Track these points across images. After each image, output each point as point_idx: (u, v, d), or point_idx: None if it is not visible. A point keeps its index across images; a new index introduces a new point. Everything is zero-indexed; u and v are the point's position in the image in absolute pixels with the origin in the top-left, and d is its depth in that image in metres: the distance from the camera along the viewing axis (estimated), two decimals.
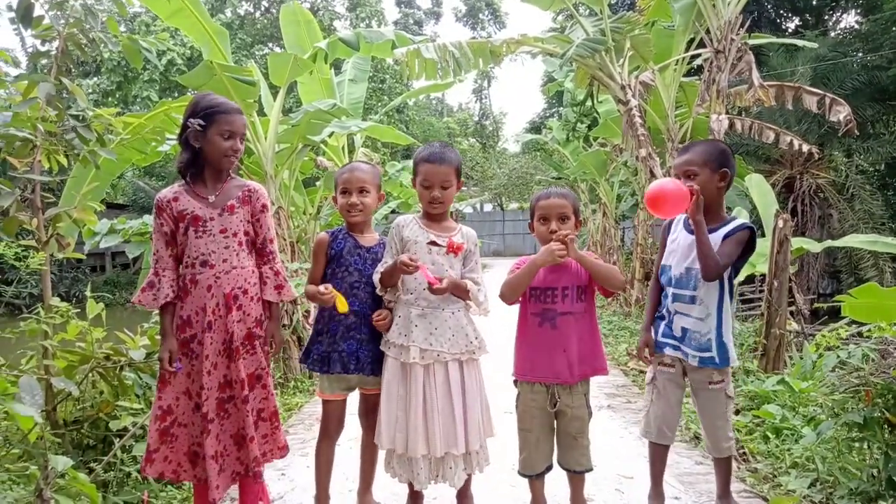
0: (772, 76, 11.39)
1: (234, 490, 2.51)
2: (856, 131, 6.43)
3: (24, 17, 2.56)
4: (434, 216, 2.50)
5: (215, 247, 2.31)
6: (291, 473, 3.21)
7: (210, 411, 2.27)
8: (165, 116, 5.02)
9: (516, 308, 2.53)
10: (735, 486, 2.78)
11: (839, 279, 12.54)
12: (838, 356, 2.98)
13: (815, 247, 5.95)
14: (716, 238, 2.43)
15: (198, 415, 2.29)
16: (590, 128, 11.90)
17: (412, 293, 2.41)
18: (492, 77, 38.65)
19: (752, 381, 4.18)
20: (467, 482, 2.51)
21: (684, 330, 2.50)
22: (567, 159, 13.41)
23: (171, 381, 2.31)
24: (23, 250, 2.77)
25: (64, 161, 2.73)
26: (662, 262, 2.65)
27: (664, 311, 2.60)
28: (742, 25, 6.07)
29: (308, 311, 5.38)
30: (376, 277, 2.45)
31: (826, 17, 15.99)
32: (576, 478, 2.49)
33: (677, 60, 7.21)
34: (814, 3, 15.57)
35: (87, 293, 3.08)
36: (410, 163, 4.98)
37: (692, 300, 2.49)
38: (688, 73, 7.89)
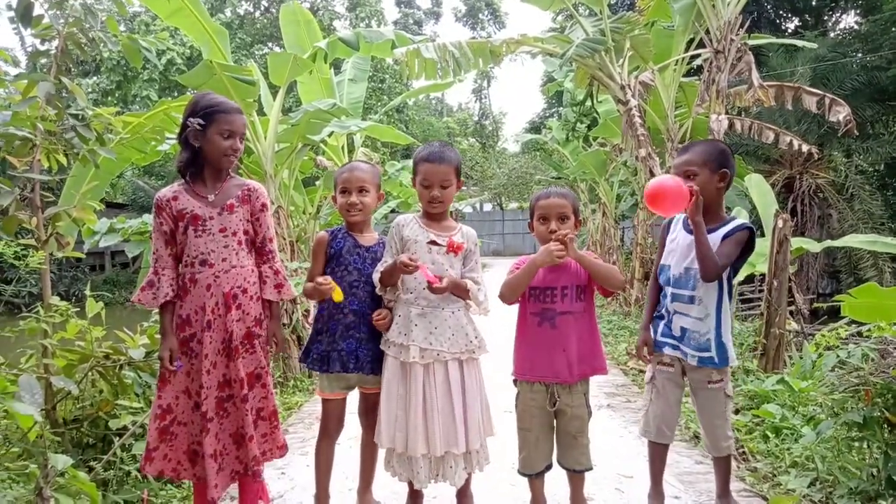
0: (771, 76, 11.40)
1: (233, 489, 2.51)
2: (855, 131, 6.43)
3: (24, 16, 2.56)
4: (434, 215, 2.50)
5: (215, 246, 2.31)
6: (291, 472, 3.21)
7: (209, 410, 2.27)
8: (165, 116, 5.02)
9: (516, 307, 2.52)
10: (735, 485, 2.78)
11: (839, 279, 12.56)
12: (838, 356, 2.98)
13: (814, 247, 5.95)
14: (715, 238, 2.43)
15: (197, 414, 2.30)
16: (589, 128, 11.90)
17: (412, 292, 2.41)
18: (491, 77, 38.68)
19: (751, 381, 4.18)
20: (467, 481, 2.51)
21: (683, 330, 2.51)
22: (567, 159, 13.41)
23: (170, 379, 2.31)
24: (22, 249, 2.77)
25: (63, 160, 2.73)
26: (661, 262, 2.65)
27: (663, 310, 2.60)
28: (742, 26, 6.07)
29: (308, 311, 5.38)
30: (376, 277, 2.45)
31: (826, 17, 16.00)
32: (575, 477, 2.49)
33: (677, 60, 7.22)
34: (813, 3, 15.57)
35: (87, 292, 3.08)
36: (410, 162, 4.99)
37: (691, 300, 2.49)
38: (687, 74, 7.90)
